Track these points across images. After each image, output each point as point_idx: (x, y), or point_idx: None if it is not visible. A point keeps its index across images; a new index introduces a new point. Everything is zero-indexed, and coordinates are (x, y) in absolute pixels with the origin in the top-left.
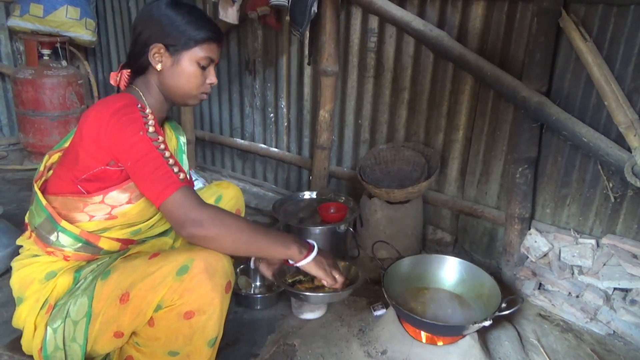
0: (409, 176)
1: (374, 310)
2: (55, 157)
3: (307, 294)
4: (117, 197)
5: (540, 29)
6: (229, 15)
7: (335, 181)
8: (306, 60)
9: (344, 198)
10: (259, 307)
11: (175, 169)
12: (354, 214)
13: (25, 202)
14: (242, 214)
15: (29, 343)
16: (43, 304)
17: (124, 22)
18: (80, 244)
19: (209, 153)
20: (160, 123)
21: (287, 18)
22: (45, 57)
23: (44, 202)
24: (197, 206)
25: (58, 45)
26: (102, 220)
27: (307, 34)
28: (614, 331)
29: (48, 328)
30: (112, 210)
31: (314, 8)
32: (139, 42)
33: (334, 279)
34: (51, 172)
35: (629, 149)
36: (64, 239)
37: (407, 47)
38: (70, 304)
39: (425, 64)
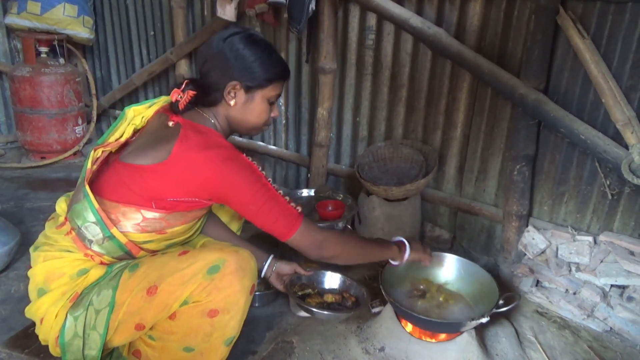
0: (407, 174)
1: (372, 308)
2: (99, 151)
3: (316, 310)
4: (177, 217)
5: (538, 26)
6: (227, 12)
7: (333, 179)
8: (304, 58)
9: (342, 195)
10: (257, 305)
11: (293, 204)
12: (352, 212)
13: (23, 200)
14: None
15: (47, 332)
16: (70, 296)
17: (121, 19)
18: (122, 253)
19: None
20: None
21: (285, 15)
22: (43, 55)
23: (96, 205)
24: (318, 234)
25: (56, 43)
26: (152, 233)
27: (305, 31)
28: (610, 328)
29: (68, 316)
30: (166, 228)
31: (312, 5)
32: (212, 78)
33: (430, 256)
34: (95, 167)
35: (626, 146)
36: (108, 246)
37: (405, 45)
38: (94, 293)
39: (423, 62)
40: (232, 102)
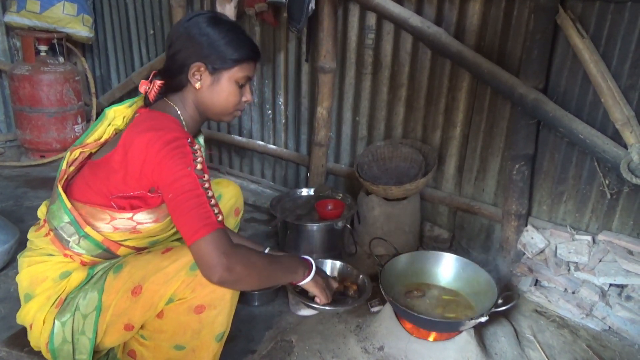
0: (406, 173)
1: (371, 307)
2: (76, 152)
3: (317, 306)
4: (145, 216)
5: (538, 26)
6: (227, 11)
7: (332, 178)
8: (304, 57)
9: (341, 195)
10: (256, 304)
11: (216, 210)
12: (352, 211)
13: (22, 199)
14: (241, 213)
15: (37, 338)
16: (54, 301)
17: (121, 18)
18: (100, 251)
19: (207, 150)
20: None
21: (285, 15)
22: (43, 54)
23: (68, 205)
24: (228, 251)
25: (55, 41)
26: (126, 232)
27: (305, 30)
28: (609, 327)
29: (56, 322)
30: (138, 226)
31: (312, 4)
32: (177, 60)
33: (328, 296)
34: (72, 168)
35: (625, 146)
36: (85, 245)
37: (404, 44)
38: (80, 298)
39: (422, 61)
40: (197, 85)
